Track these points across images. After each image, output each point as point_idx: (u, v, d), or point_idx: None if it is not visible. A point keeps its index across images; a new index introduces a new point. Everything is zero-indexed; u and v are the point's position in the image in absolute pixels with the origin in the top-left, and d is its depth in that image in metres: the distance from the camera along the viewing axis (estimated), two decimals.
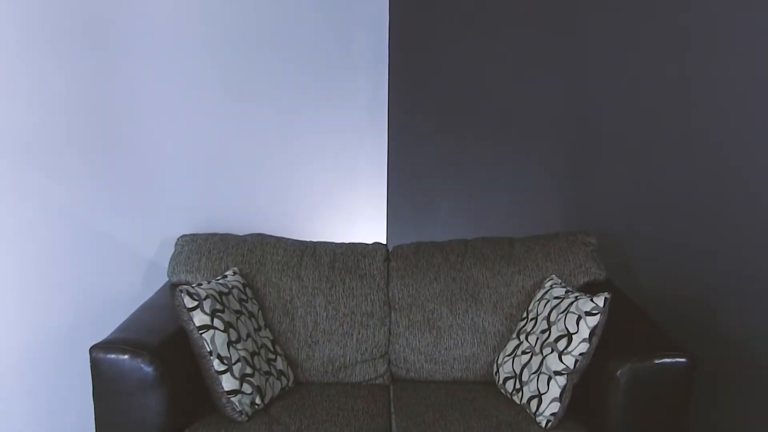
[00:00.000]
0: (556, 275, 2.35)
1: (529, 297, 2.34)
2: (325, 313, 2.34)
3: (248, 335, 2.12)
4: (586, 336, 1.97)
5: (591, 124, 2.82)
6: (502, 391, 2.21)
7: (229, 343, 2.02)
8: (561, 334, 2.02)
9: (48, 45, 2.33)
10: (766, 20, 2.10)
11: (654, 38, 2.50)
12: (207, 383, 2.02)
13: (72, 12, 2.35)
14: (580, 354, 1.97)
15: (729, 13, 2.22)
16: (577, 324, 1.99)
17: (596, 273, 2.39)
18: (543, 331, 2.10)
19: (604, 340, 1.98)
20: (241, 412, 2.02)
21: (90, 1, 2.38)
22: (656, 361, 1.90)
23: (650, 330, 2.11)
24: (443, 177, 3.27)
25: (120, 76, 2.48)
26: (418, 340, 2.35)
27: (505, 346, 2.28)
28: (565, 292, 2.16)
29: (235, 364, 2.01)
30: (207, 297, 2.03)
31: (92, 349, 1.91)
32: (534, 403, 2.03)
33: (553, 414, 1.99)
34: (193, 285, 2.09)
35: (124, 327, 2.08)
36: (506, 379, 2.18)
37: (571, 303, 2.05)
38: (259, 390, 2.06)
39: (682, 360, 1.90)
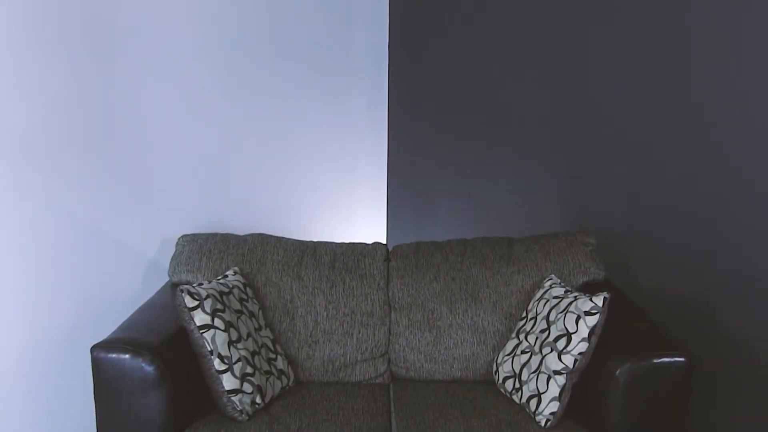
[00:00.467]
0: (555, 275, 2.35)
1: (529, 297, 2.34)
2: (325, 313, 2.35)
3: (249, 335, 2.12)
4: (585, 335, 1.97)
5: (591, 124, 2.82)
6: (502, 390, 2.22)
7: (230, 343, 2.02)
8: (560, 333, 2.02)
9: (48, 45, 2.33)
10: (767, 20, 2.10)
11: (654, 38, 2.50)
12: (208, 382, 2.03)
13: (72, 12, 2.35)
14: (579, 353, 1.97)
15: (729, 13, 2.22)
16: (577, 323, 1.99)
17: (595, 273, 2.39)
18: (542, 331, 2.10)
19: (603, 339, 1.98)
20: (241, 412, 2.02)
21: (90, 1, 2.38)
22: (655, 361, 1.91)
23: (649, 330, 2.11)
24: (443, 177, 3.28)
25: (120, 76, 2.48)
26: (418, 340, 2.35)
27: (504, 345, 2.29)
28: (565, 292, 2.16)
29: (235, 363, 2.01)
30: (208, 297, 2.03)
31: (93, 349, 1.92)
32: (533, 402, 2.04)
33: (552, 413, 2.00)
34: (194, 285, 2.10)
35: (125, 326, 2.09)
36: (506, 379, 2.19)
37: (571, 303, 2.06)
38: (259, 389, 2.07)
39: (681, 360, 1.91)
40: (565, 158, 2.97)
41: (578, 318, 2.00)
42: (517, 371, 2.14)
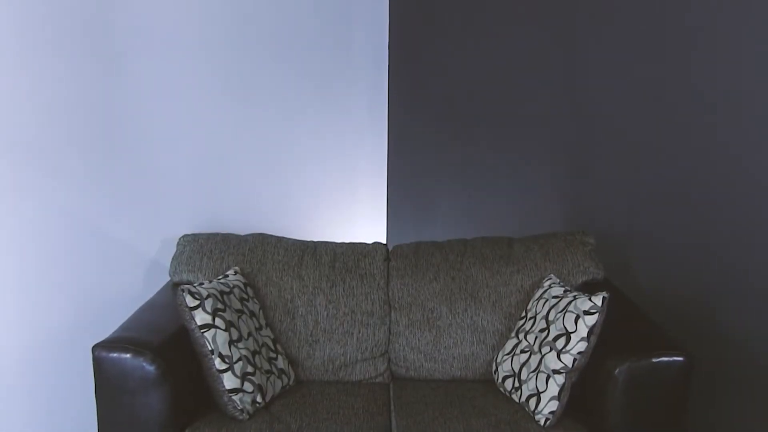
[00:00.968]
0: (554, 275, 2.35)
1: (528, 296, 2.35)
2: (325, 312, 2.35)
3: (249, 334, 2.12)
4: (585, 335, 1.97)
5: (591, 124, 2.83)
6: (501, 389, 2.22)
7: (231, 342, 2.02)
8: (559, 333, 2.02)
9: (48, 45, 2.33)
10: (767, 20, 2.11)
11: (654, 38, 2.50)
12: (208, 382, 2.03)
13: (72, 12, 2.35)
14: (579, 353, 1.98)
15: (729, 13, 2.22)
16: (576, 323, 1.99)
17: (594, 272, 2.39)
18: (542, 330, 2.10)
19: (602, 339, 1.98)
20: (242, 411, 2.03)
21: (90, 1, 2.38)
22: (654, 360, 1.91)
23: (648, 329, 2.11)
24: (443, 177, 3.28)
25: (120, 76, 2.48)
26: (418, 339, 2.36)
27: (504, 344, 2.29)
28: (564, 292, 2.17)
29: (236, 362, 2.02)
30: (208, 296, 2.03)
31: (95, 348, 1.92)
32: (533, 401, 2.04)
33: (551, 412, 2.00)
34: (195, 284, 2.10)
35: (126, 326, 2.09)
36: (505, 378, 2.19)
37: (570, 302, 2.06)
38: (260, 388, 2.07)
39: (680, 359, 1.91)
40: (565, 158, 2.97)
41: (577, 317, 2.00)
42: (517, 370, 2.14)
